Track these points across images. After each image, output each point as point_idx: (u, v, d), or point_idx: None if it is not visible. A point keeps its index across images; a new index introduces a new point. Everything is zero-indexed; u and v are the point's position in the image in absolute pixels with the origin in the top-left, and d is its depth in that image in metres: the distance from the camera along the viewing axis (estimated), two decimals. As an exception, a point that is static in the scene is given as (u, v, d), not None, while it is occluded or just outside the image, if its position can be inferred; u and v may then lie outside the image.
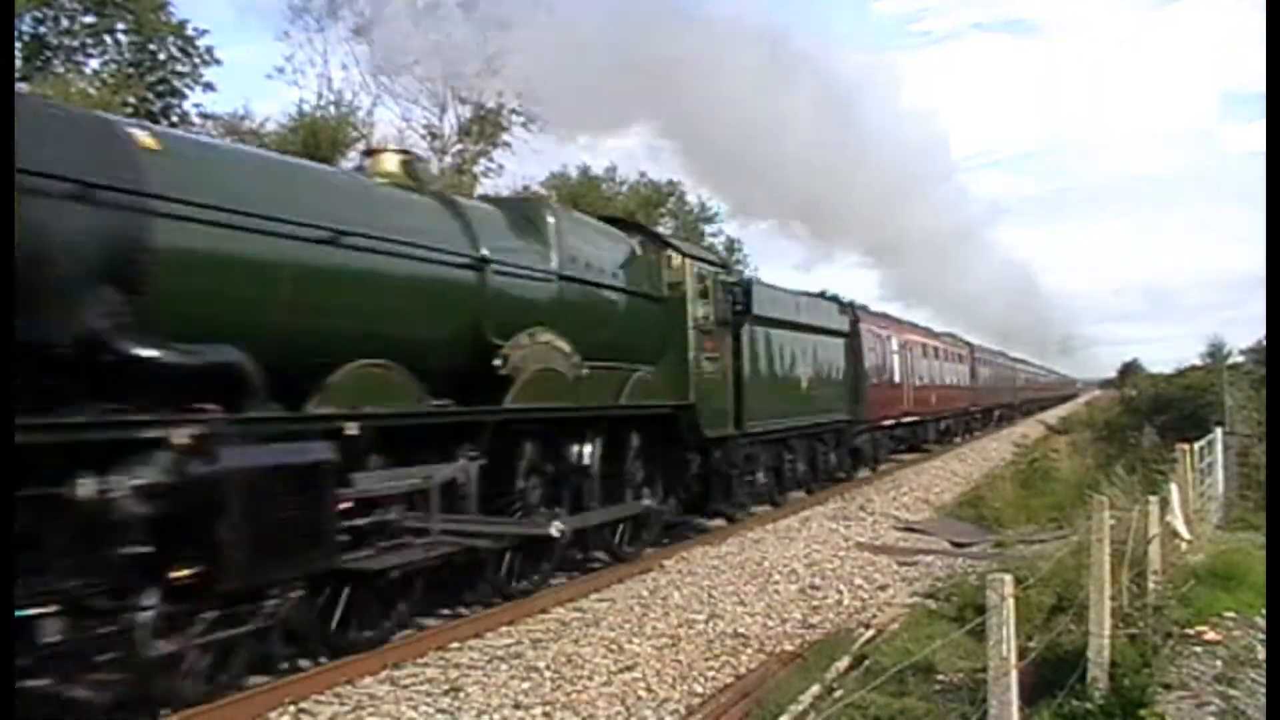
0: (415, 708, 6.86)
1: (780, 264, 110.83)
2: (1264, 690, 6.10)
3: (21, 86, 16.74)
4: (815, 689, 7.06)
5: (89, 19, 22.63)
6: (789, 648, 8.67)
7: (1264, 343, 29.34)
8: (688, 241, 17.16)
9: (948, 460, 28.22)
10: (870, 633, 8.77)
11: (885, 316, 26.37)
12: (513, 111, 33.65)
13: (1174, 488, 9.26)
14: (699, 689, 7.57)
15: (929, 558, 13.04)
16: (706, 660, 8.22)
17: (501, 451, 9.21)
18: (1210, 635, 7.40)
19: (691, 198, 46.78)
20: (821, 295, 21.04)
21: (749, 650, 8.56)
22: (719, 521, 14.62)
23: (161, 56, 23.62)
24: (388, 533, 7.77)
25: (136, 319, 6.00)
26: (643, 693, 7.37)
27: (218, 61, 24.47)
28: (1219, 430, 16.07)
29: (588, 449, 10.45)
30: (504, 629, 8.95)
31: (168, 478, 5.58)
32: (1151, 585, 7.72)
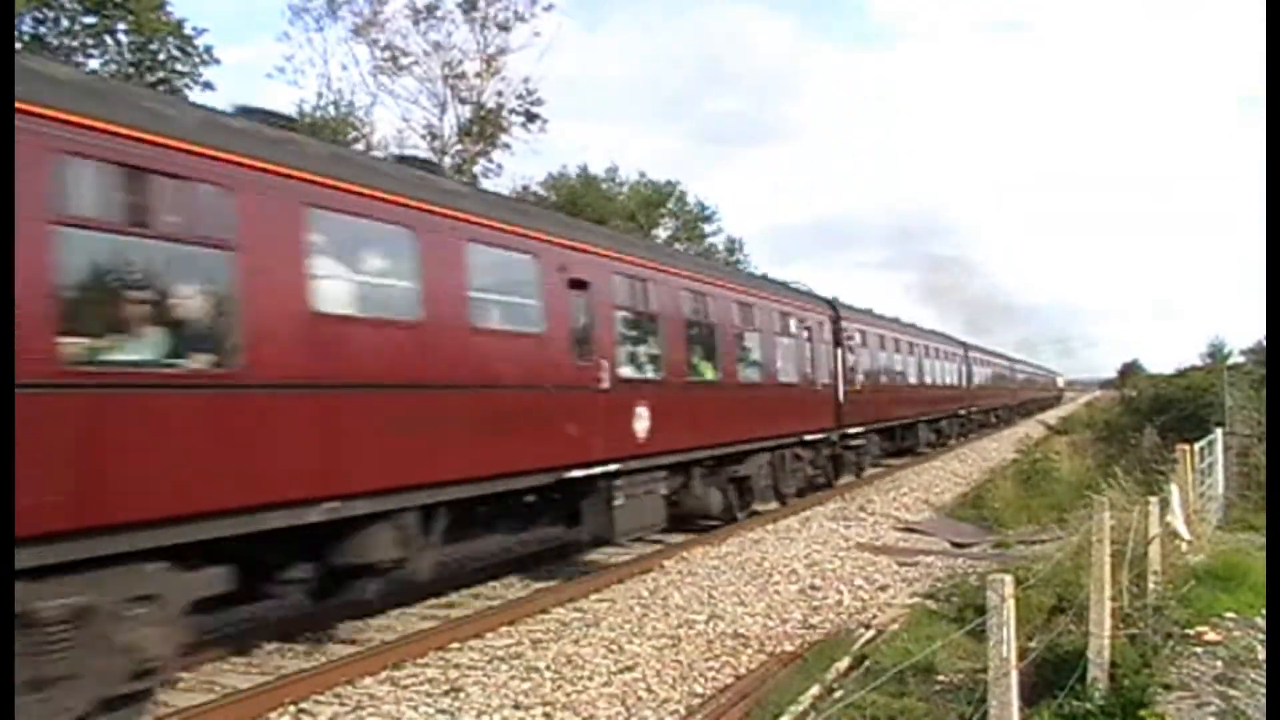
0: (415, 708, 6.86)
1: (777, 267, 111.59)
2: (1264, 690, 6.10)
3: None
4: (815, 689, 7.06)
5: (89, 19, 22.63)
6: (789, 648, 8.67)
7: (1264, 343, 29.35)
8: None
9: (948, 460, 28.21)
10: (870, 633, 8.76)
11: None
12: (512, 111, 33.76)
13: (1174, 488, 9.25)
14: (699, 689, 7.57)
15: (929, 558, 13.03)
16: (706, 660, 8.22)
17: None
18: (1210, 635, 7.40)
19: (691, 197, 46.82)
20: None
21: (749, 650, 8.56)
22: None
23: (161, 56, 23.64)
24: None
25: None
26: (643, 693, 7.37)
27: (217, 61, 24.51)
28: (1219, 430, 16.07)
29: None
30: (504, 629, 8.95)
31: None
32: (1151, 586, 7.72)
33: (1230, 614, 7.93)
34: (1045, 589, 7.83)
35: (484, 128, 33.50)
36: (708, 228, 47.19)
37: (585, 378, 10.22)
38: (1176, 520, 8.93)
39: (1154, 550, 7.94)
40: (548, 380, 9.57)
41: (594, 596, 10.27)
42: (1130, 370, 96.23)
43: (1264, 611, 7.57)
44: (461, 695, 7.10)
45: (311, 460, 6.95)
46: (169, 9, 23.55)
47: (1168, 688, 6.25)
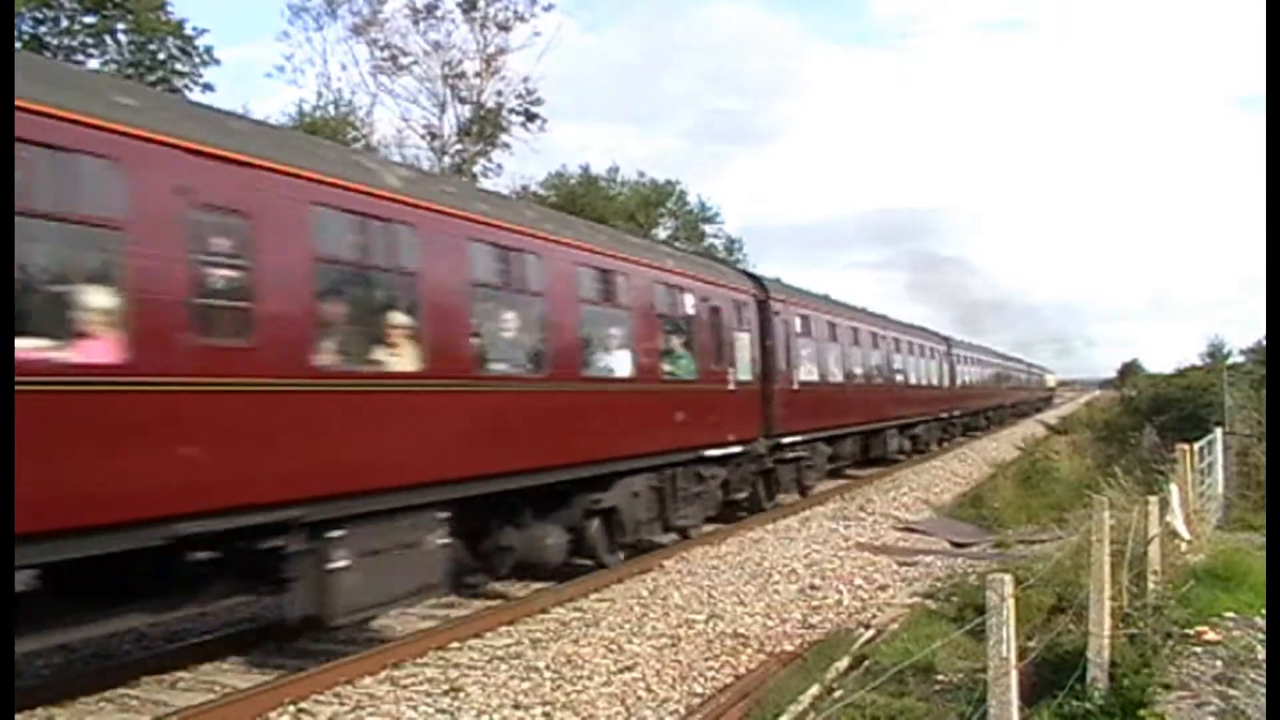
0: (415, 708, 6.87)
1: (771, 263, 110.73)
2: (1264, 690, 6.09)
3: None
4: (815, 689, 7.06)
5: (89, 19, 22.63)
6: (789, 648, 8.67)
7: (1264, 343, 29.40)
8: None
9: (948, 460, 28.21)
10: (870, 633, 8.76)
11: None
12: (511, 111, 33.78)
13: (1174, 488, 9.25)
14: (699, 689, 7.57)
15: (929, 558, 13.03)
16: (706, 660, 8.23)
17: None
18: (1210, 635, 7.39)
19: (692, 197, 46.76)
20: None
21: (749, 650, 8.56)
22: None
23: (161, 56, 23.64)
24: None
25: None
26: (642, 693, 7.37)
27: (216, 61, 24.52)
28: (1219, 430, 16.07)
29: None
30: (504, 629, 8.96)
31: None
32: (1151, 585, 7.71)
33: (1230, 614, 7.92)
34: (1045, 589, 7.83)
35: (484, 127, 33.52)
36: (709, 228, 47.17)
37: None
38: (1176, 520, 8.92)
39: (1154, 550, 7.94)
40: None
41: (594, 596, 10.27)
42: (1130, 370, 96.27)
43: (1264, 611, 7.57)
44: (461, 695, 7.10)
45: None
46: (169, 9, 23.58)
47: (1168, 687, 6.25)
